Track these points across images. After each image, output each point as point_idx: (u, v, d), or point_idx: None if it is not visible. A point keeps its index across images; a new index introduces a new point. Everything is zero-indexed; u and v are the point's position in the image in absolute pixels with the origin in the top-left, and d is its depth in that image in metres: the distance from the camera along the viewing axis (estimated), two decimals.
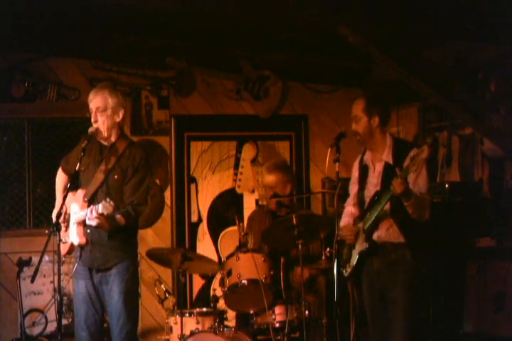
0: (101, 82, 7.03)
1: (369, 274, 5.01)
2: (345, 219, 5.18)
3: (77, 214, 5.12)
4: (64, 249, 5.08)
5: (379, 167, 5.00)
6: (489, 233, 6.06)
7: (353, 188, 5.18)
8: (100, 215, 4.90)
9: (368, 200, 4.99)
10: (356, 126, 5.02)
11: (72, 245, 5.18)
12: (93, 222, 4.98)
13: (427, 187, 4.90)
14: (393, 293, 4.89)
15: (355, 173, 5.18)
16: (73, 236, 5.16)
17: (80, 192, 5.17)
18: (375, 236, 4.92)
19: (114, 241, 5.14)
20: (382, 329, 4.98)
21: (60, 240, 4.74)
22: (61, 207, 4.90)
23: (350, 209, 5.20)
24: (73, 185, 5.16)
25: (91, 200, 5.12)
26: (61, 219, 5.09)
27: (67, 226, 5.16)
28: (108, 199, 4.89)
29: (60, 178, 5.45)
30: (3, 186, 7.17)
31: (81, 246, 5.15)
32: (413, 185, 4.83)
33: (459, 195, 6.07)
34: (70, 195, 5.11)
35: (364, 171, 5.09)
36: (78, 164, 5.03)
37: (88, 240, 5.12)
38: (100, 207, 4.86)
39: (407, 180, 4.77)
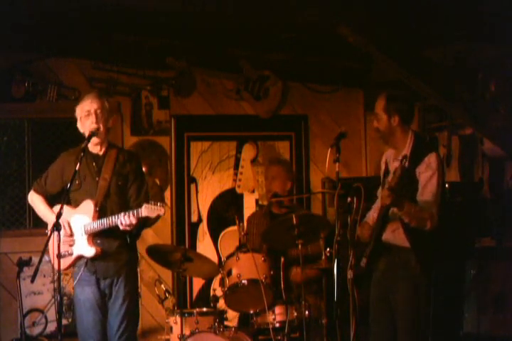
0: (101, 82, 7.06)
1: (377, 273, 5.02)
2: (371, 214, 5.14)
3: (90, 225, 5.11)
4: (66, 262, 5.07)
5: (395, 166, 4.97)
6: (489, 233, 6.05)
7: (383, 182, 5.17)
8: (139, 220, 4.93)
9: None
10: (377, 123, 4.99)
11: (75, 259, 5.17)
12: (128, 227, 4.99)
13: (435, 197, 4.80)
14: (396, 297, 4.89)
15: (382, 166, 5.15)
16: (84, 247, 5.14)
17: (88, 203, 5.14)
18: (382, 237, 4.92)
19: (122, 248, 5.16)
20: (385, 330, 4.98)
21: (59, 241, 4.73)
22: (61, 208, 4.88)
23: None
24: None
25: (101, 209, 5.13)
26: (65, 233, 5.08)
27: (73, 241, 5.16)
28: (152, 201, 4.88)
29: (38, 200, 5.37)
30: (3, 186, 7.17)
31: (94, 258, 5.14)
32: (421, 192, 4.80)
33: (459, 195, 6.06)
34: (68, 208, 5.10)
35: (386, 168, 5.09)
36: (78, 164, 5.01)
37: (101, 250, 5.13)
38: (143, 211, 4.85)
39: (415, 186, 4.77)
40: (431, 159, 4.82)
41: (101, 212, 5.11)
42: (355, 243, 4.99)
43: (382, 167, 5.15)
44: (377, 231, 4.90)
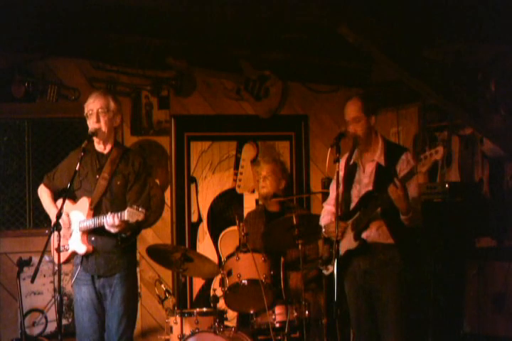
0: (101, 82, 7.06)
1: (355, 274, 4.99)
2: (327, 218, 5.17)
3: (84, 222, 5.12)
4: (63, 256, 5.03)
5: (370, 167, 5.00)
6: (489, 233, 6.06)
7: (338, 188, 5.07)
8: (124, 222, 4.91)
9: (355, 199, 4.98)
10: (356, 127, 4.98)
11: (71, 254, 5.18)
12: (113, 229, 4.99)
13: (418, 193, 4.93)
14: (383, 295, 4.88)
15: (340, 172, 5.10)
16: (77, 244, 5.15)
17: (84, 200, 5.15)
18: (364, 235, 4.92)
19: (118, 248, 5.14)
20: (369, 330, 4.97)
21: (59, 240, 4.74)
22: (61, 208, 4.90)
23: (330, 208, 5.18)
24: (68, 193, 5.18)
25: (96, 208, 5.13)
26: (62, 225, 5.09)
27: (69, 235, 5.16)
28: (135, 206, 4.87)
29: (45, 193, 5.39)
30: (3, 186, 7.17)
31: (85, 255, 5.15)
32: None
33: (459, 195, 6.06)
34: (68, 203, 5.11)
35: (352, 171, 5.08)
36: (78, 164, 5.01)
37: (94, 248, 5.13)
38: (126, 215, 4.85)
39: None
40: (408, 156, 4.92)
41: (96, 211, 5.12)
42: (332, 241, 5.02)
43: (341, 173, 5.09)
44: (360, 230, 4.91)
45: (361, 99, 5.02)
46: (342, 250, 4.97)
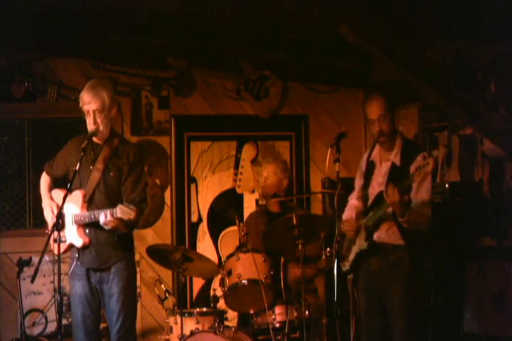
0: None
1: (367, 274, 5.01)
2: (348, 213, 5.17)
3: (78, 216, 5.12)
4: (61, 248, 5.03)
5: (385, 166, 4.99)
6: (489, 233, 6.06)
7: (359, 182, 5.17)
8: (117, 219, 4.91)
9: (371, 197, 4.98)
10: (382, 125, 4.95)
11: (69, 246, 5.18)
12: (107, 226, 4.99)
13: (429, 196, 4.89)
14: (391, 295, 4.88)
15: (362, 167, 5.16)
16: (73, 236, 5.15)
17: (78, 193, 5.15)
18: (375, 236, 4.93)
19: (112, 240, 5.13)
20: (379, 331, 4.97)
21: (59, 240, 4.74)
22: (61, 207, 4.90)
23: (354, 202, 5.18)
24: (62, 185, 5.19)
25: (90, 200, 5.12)
26: (52, 215, 5.11)
27: (63, 226, 5.15)
28: (127, 204, 4.87)
29: (44, 180, 5.42)
30: (3, 186, 7.17)
31: (82, 247, 5.15)
32: (415, 192, 4.82)
33: (459, 195, 6.06)
34: (62, 194, 5.09)
35: (371, 167, 5.09)
36: (78, 164, 5.01)
37: (90, 240, 5.12)
38: (118, 212, 4.85)
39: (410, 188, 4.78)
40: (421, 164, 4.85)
41: (89, 203, 5.12)
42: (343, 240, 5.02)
43: (363, 168, 5.13)
44: (372, 230, 4.91)
45: (383, 97, 4.99)
46: (355, 249, 4.99)
